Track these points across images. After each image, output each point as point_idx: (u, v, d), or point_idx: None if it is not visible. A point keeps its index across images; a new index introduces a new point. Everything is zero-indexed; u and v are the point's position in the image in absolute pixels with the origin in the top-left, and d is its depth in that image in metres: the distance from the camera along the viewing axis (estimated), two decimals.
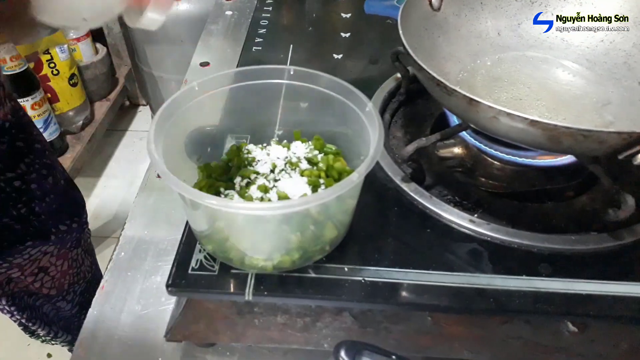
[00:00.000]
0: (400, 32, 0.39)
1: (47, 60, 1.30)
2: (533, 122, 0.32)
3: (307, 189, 0.35)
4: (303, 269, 0.34)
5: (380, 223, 0.38)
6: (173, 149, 0.36)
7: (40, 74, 1.28)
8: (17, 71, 1.16)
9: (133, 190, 1.54)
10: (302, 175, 0.37)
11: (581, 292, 0.34)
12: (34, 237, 0.64)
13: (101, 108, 1.56)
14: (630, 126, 0.40)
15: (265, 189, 0.35)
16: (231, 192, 0.36)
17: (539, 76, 0.46)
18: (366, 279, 0.34)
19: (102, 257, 1.33)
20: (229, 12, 0.83)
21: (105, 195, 1.52)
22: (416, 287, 0.34)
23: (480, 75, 0.46)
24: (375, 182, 0.41)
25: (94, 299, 0.42)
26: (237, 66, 0.60)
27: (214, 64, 0.69)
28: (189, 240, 0.36)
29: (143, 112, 1.85)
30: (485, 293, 0.33)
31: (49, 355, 1.14)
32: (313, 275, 0.34)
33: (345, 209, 0.35)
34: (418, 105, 0.50)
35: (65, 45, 1.34)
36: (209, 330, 0.36)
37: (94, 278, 0.81)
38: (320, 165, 0.37)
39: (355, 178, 0.30)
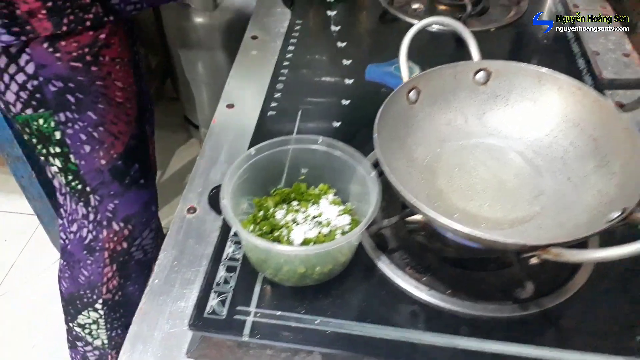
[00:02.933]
0: (375, 137, 0.51)
1: None
2: (455, 229, 0.43)
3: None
4: (285, 318, 0.47)
5: (350, 283, 0.51)
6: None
7: None
8: None
9: (160, 184, 1.70)
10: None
11: (488, 351, 0.46)
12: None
13: None
14: (553, 216, 0.51)
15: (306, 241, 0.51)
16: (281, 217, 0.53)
17: (491, 165, 0.57)
18: (331, 330, 0.47)
19: None
20: (254, 52, 0.95)
21: None
22: (367, 339, 0.46)
23: (443, 161, 0.57)
24: None
25: (134, 318, 0.56)
26: (258, 118, 0.72)
27: (238, 106, 0.82)
28: (206, 292, 0.49)
29: (175, 105, 1.98)
30: (416, 347, 0.46)
31: None
32: (293, 324, 0.47)
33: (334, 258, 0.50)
34: None
35: None
36: (218, 353, 0.50)
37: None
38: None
39: (357, 235, 0.48)
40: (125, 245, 0.87)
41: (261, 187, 0.57)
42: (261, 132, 0.68)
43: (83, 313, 0.93)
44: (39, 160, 1.19)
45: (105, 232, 0.84)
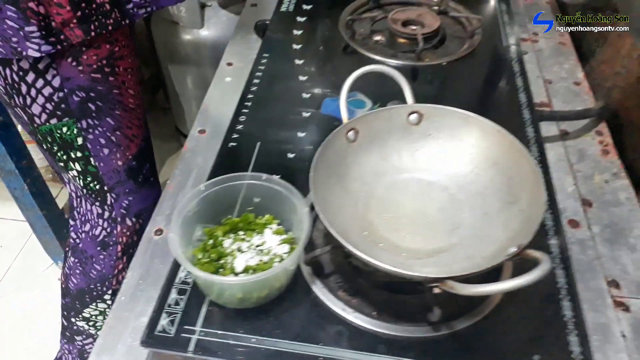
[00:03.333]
0: (311, 175, 0.57)
1: None
2: (368, 261, 0.50)
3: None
4: (226, 337, 0.55)
5: (287, 305, 0.58)
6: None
7: None
8: None
9: None
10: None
11: None
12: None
13: None
14: (466, 248, 0.58)
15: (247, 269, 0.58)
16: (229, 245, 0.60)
17: (419, 198, 0.64)
18: (265, 347, 0.54)
19: None
20: (228, 79, 1.02)
21: None
22: (296, 355, 0.54)
23: (376, 195, 0.64)
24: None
25: (101, 331, 0.63)
26: (219, 149, 0.79)
27: (209, 132, 0.89)
28: (158, 312, 0.56)
29: (169, 116, 2.05)
30: None
31: None
32: (232, 342, 0.54)
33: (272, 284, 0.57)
34: None
35: None
36: None
37: None
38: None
39: (288, 265, 0.55)
40: (135, 238, 0.97)
41: (215, 215, 0.64)
42: (221, 164, 0.75)
43: (91, 306, 1.02)
44: (35, 172, 1.27)
45: (119, 228, 0.94)
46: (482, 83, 0.90)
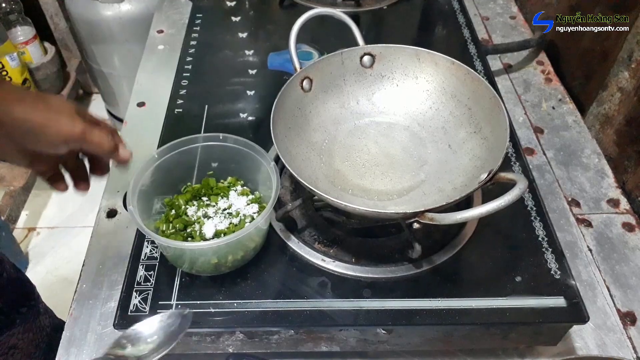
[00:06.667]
0: (272, 129, 0.55)
1: None
2: (345, 207, 0.49)
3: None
4: (205, 305, 0.52)
5: (264, 265, 0.56)
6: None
7: None
8: None
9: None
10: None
11: (389, 308, 0.52)
12: (2, 327, 0.70)
13: None
14: (435, 182, 0.58)
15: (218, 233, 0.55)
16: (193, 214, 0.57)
17: (381, 141, 0.63)
18: (248, 310, 0.52)
19: (70, 248, 1.49)
20: (161, 47, 0.95)
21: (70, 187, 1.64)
22: (281, 313, 0.52)
23: (339, 142, 0.63)
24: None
25: (66, 324, 0.59)
26: (165, 118, 0.74)
27: (149, 104, 0.83)
28: (127, 291, 0.53)
29: (97, 99, 1.93)
30: (325, 313, 0.52)
31: None
32: (213, 310, 0.52)
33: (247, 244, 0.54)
34: None
35: (15, 53, 1.42)
36: None
37: (54, 326, 0.84)
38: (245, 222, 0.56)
39: (261, 223, 0.52)
40: None
41: (172, 185, 0.60)
42: (170, 132, 0.70)
43: None
44: None
45: None
46: (425, 23, 0.89)
